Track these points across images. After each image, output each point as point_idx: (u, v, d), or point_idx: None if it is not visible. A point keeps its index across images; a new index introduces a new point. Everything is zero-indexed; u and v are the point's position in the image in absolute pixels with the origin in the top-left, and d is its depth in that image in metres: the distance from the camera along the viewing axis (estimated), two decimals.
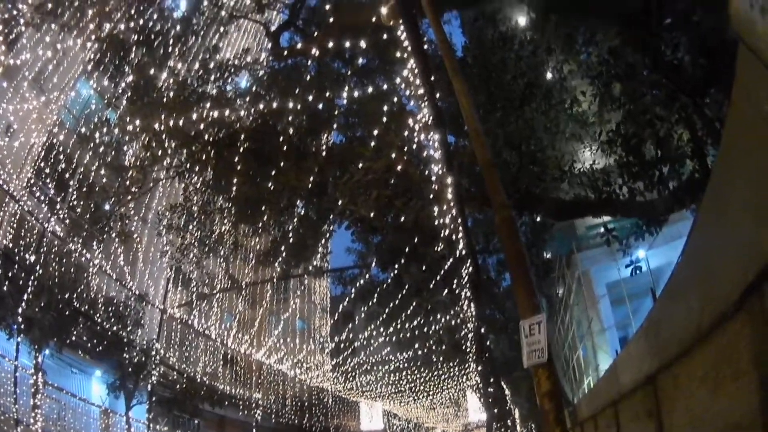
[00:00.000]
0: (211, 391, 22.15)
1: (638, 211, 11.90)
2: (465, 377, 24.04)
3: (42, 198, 14.29)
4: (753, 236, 4.89)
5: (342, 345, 21.56)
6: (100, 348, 16.12)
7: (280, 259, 14.47)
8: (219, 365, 21.59)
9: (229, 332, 19.85)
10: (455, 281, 12.82)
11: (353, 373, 23.56)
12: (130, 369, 17.14)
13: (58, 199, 14.15)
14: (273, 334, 21.24)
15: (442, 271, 12.72)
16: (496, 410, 15.70)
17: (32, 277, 13.27)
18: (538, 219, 13.42)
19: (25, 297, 12.97)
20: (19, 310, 12.75)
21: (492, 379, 11.68)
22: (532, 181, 11.52)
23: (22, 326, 13.02)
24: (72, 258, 15.15)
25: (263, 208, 11.65)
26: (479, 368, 11.75)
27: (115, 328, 16.51)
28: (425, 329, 17.77)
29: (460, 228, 9.90)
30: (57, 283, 14.27)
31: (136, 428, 17.86)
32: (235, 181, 11.02)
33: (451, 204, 9.40)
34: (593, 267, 27.18)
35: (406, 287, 14.50)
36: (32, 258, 13.65)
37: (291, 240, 13.17)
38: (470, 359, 16.47)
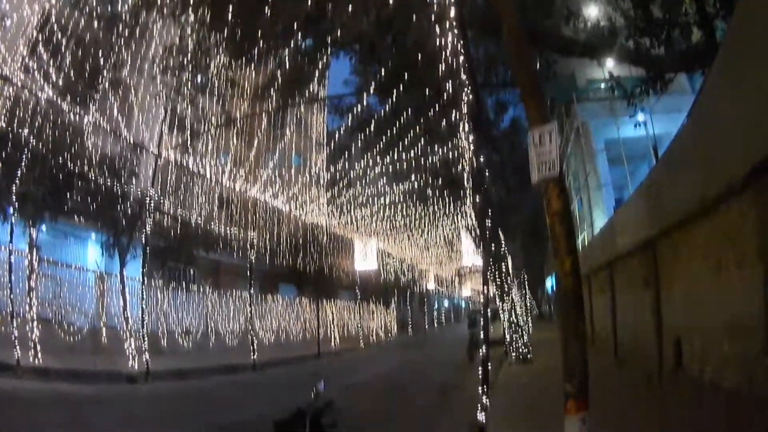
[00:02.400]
0: (206, 235, 22.93)
1: (645, 62, 11.96)
2: (460, 215, 24.84)
3: (36, 69, 14.22)
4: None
5: (338, 176, 21.97)
6: (95, 206, 16.57)
7: (277, 90, 14.53)
8: (214, 207, 22.28)
9: (225, 171, 20.29)
10: (454, 111, 12.99)
11: (348, 206, 24.20)
12: (124, 222, 17.66)
13: (52, 67, 14.03)
14: (268, 169, 21.65)
15: (442, 100, 12.88)
16: (492, 247, 16.41)
17: (26, 151, 13.47)
18: (540, 62, 13.35)
19: (19, 173, 13.28)
20: (13, 188, 13.11)
21: (488, 215, 12.19)
22: (538, 16, 11.43)
23: (16, 204, 13.42)
24: (66, 120, 15.14)
25: (260, 36, 11.60)
26: (476, 200, 12.24)
27: (110, 182, 16.80)
28: (422, 161, 18.23)
29: (461, 51, 9.87)
30: (51, 149, 14.45)
31: (130, 287, 18.71)
32: (230, 10, 10.94)
33: (454, 25, 9.36)
34: (592, 120, 27.33)
35: (404, 115, 14.73)
36: (26, 131, 13.67)
37: (288, 71, 13.22)
38: (466, 196, 16.99)
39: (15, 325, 13.36)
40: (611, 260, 14.53)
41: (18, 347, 13.07)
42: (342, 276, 34.47)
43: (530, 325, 22.34)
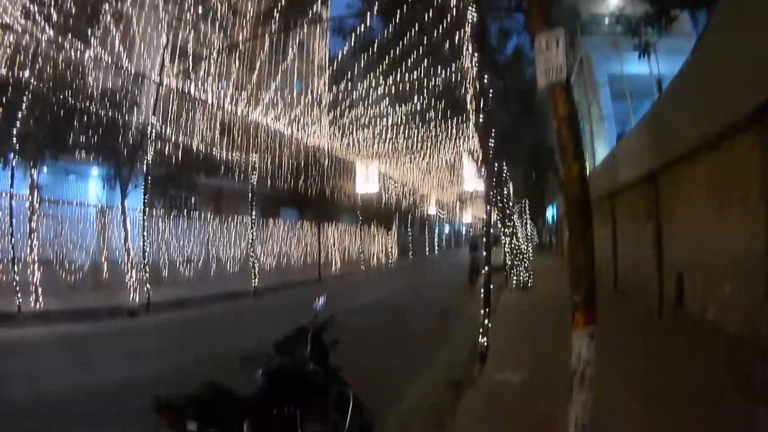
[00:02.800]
0: (208, 160, 22.76)
1: None
2: (462, 139, 24.69)
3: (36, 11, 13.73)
4: None
5: (340, 98, 21.73)
6: (97, 140, 16.31)
7: (279, 12, 14.17)
8: (216, 133, 22.03)
9: (226, 96, 19.98)
10: (458, 32, 12.69)
11: (350, 129, 24.02)
12: (126, 152, 17.43)
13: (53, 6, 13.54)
14: (270, 94, 21.34)
15: (445, 20, 12.56)
16: (494, 169, 16.29)
17: (26, 93, 13.20)
18: None
19: (19, 116, 13.02)
20: (14, 132, 12.90)
21: (491, 134, 12.02)
22: None
23: (17, 147, 13.21)
24: (67, 57, 14.76)
25: None
26: (479, 119, 12.06)
27: (111, 115, 16.53)
28: (425, 83, 17.98)
29: None
30: (51, 88, 14.20)
31: (131, 218, 18.55)
32: None
33: None
34: (595, 53, 26.94)
35: (408, 36, 14.41)
36: (26, 74, 13.37)
37: None
38: (469, 119, 16.76)
39: (16, 271, 13.38)
40: (613, 192, 14.46)
41: (19, 293, 13.10)
42: (343, 199, 34.46)
43: (530, 254, 22.45)
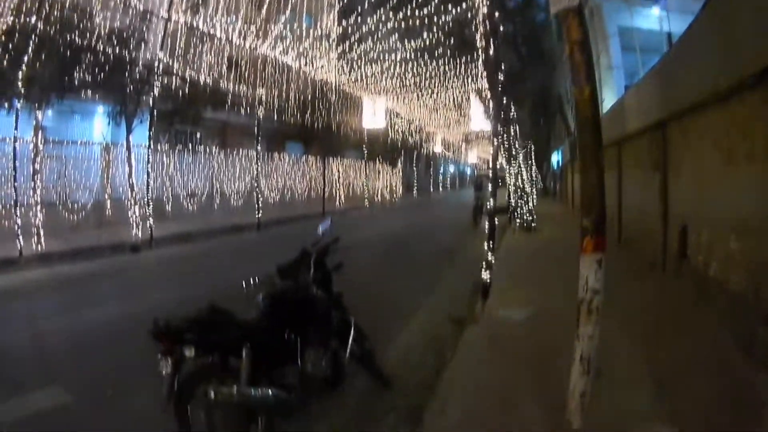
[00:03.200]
0: (214, 93, 22.50)
1: None
2: (470, 79, 24.37)
3: None
4: None
5: (348, 32, 21.39)
6: (102, 77, 16.01)
7: None
8: (223, 67, 21.70)
9: (234, 30, 19.60)
10: None
11: (358, 64, 23.68)
12: (131, 88, 17.15)
13: None
14: (279, 25, 20.93)
15: None
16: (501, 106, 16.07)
17: (33, 36, 12.93)
18: None
19: (25, 59, 12.77)
20: (20, 76, 12.68)
21: (500, 69, 11.84)
22: None
23: (22, 91, 12.98)
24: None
25: None
26: (489, 55, 11.85)
27: (117, 51, 16.23)
28: (435, 19, 17.68)
29: None
30: (58, 30, 13.93)
31: (136, 154, 18.32)
32: None
33: None
34: (605, 4, 26.39)
35: None
36: (32, 18, 13.10)
37: None
38: (478, 57, 16.45)
39: (17, 215, 13.25)
40: (620, 139, 14.31)
41: (21, 237, 12.99)
42: (350, 135, 34.27)
43: (534, 197, 22.44)
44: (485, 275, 9.29)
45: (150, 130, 17.44)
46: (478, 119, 31.70)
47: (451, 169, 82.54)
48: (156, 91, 17.25)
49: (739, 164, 6.55)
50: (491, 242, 9.60)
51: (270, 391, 4.30)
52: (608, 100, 26.42)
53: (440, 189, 66.94)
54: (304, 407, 4.70)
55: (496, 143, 11.17)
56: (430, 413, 4.89)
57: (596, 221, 3.86)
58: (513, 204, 19.47)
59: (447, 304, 9.76)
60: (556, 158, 38.62)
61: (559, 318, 7.53)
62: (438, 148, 52.50)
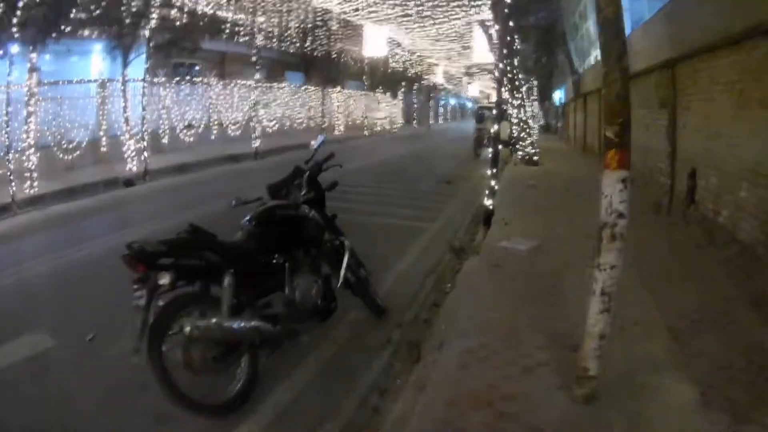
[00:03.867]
0: (213, 22, 21.76)
1: None
2: (474, 9, 23.62)
3: None
4: None
5: None
6: (98, 10, 15.38)
7: None
8: None
9: None
10: None
11: None
12: (128, 18, 16.43)
13: None
14: None
15: None
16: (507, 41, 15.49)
17: None
18: None
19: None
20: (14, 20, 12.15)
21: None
22: None
23: (17, 35, 12.45)
24: None
25: None
26: None
27: None
28: None
29: None
30: None
31: (133, 88, 17.76)
32: None
33: None
34: None
35: None
36: None
37: None
38: None
39: (10, 160, 12.67)
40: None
41: (13, 183, 12.39)
42: (350, 63, 33.56)
43: (537, 132, 22.03)
44: (488, 202, 9.01)
45: (147, 62, 16.94)
46: (481, 51, 31.01)
47: (452, 101, 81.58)
48: (153, 22, 16.59)
49: (752, 109, 6.25)
50: (494, 169, 9.30)
51: (254, 323, 3.95)
52: None
53: (440, 121, 66.18)
54: (292, 340, 4.40)
55: (500, 69, 10.75)
56: (428, 349, 4.69)
57: (620, 132, 3.45)
58: (515, 136, 19.04)
59: (448, 233, 9.53)
60: (558, 96, 37.92)
61: (563, 250, 7.33)
62: (439, 80, 51.64)
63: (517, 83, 18.90)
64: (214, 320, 3.71)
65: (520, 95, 19.35)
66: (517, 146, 18.90)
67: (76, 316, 5.73)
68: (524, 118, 18.79)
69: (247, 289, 4.02)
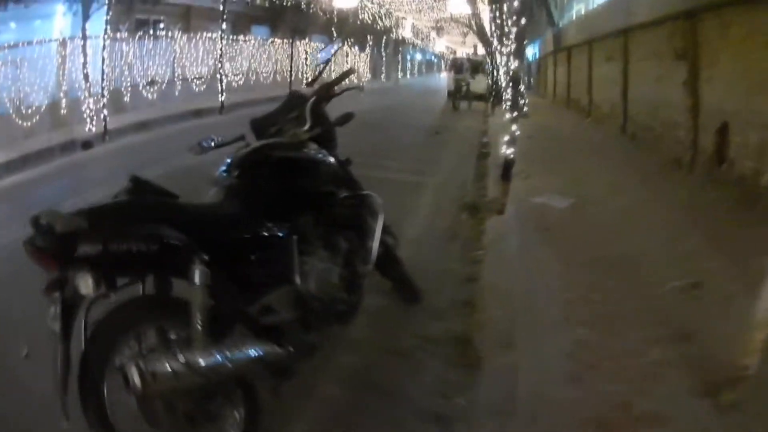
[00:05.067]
0: None
1: None
2: None
3: None
4: None
5: None
6: None
7: None
8: None
9: None
10: None
11: None
12: None
13: None
14: None
15: None
16: None
17: None
18: None
19: None
20: None
21: None
22: None
23: None
24: None
25: None
26: None
27: None
28: None
29: None
30: None
31: (93, 45, 16.16)
32: None
33: None
34: None
35: None
36: None
37: None
38: None
39: None
40: (627, 28, 13.05)
41: None
42: (318, 15, 31.95)
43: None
44: (508, 151, 7.64)
45: (108, 13, 15.43)
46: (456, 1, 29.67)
47: (418, 57, 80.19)
48: None
49: None
50: (515, 113, 8.01)
51: (249, 348, 2.41)
52: None
53: (408, 75, 64.86)
54: (308, 358, 2.82)
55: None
56: (490, 347, 3.43)
57: None
58: (502, 87, 17.72)
59: (453, 188, 8.27)
60: (532, 51, 36.81)
61: (605, 209, 6.19)
62: (407, 34, 50.16)
63: (506, 29, 17.50)
64: (180, 356, 2.15)
65: (509, 42, 17.94)
66: (503, 98, 17.61)
67: (8, 320, 3.99)
68: (514, 69, 17.42)
69: (232, 284, 2.51)
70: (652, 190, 7.28)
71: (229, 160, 2.94)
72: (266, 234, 2.71)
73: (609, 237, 5.21)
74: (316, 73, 3.56)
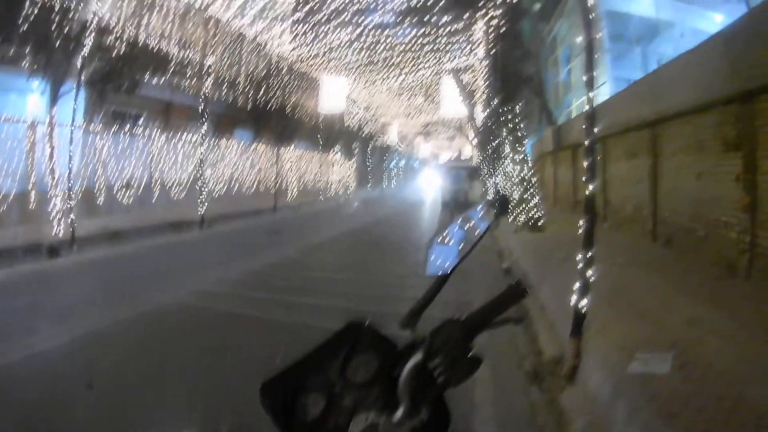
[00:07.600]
0: (154, 58, 19.26)
1: None
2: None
3: None
4: None
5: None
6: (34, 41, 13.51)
7: None
8: (167, 27, 18.51)
9: None
10: None
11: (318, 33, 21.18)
12: (57, 42, 14.03)
13: None
14: None
15: None
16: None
17: None
18: None
19: None
20: None
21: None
22: None
23: None
24: None
25: None
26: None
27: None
28: None
29: None
30: None
31: (63, 134, 14.89)
32: None
33: None
34: None
35: None
36: None
37: None
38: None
39: None
40: (655, 120, 12.24)
41: None
42: (304, 120, 31.47)
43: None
44: (582, 303, 5.69)
45: (77, 98, 14.26)
46: (448, 104, 29.27)
47: (402, 162, 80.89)
48: (86, 49, 14.23)
49: None
50: (587, 250, 5.93)
51: None
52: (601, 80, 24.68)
53: (393, 183, 64.90)
54: None
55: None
56: None
57: None
58: (518, 196, 16.33)
59: (502, 345, 6.50)
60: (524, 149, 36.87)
61: (719, 362, 4.72)
62: (394, 139, 50.31)
63: (518, 134, 16.61)
64: None
65: (523, 148, 16.97)
66: (519, 209, 16.27)
67: None
68: (527, 176, 16.34)
69: None
70: (737, 317, 6.03)
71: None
72: None
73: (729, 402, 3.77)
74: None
